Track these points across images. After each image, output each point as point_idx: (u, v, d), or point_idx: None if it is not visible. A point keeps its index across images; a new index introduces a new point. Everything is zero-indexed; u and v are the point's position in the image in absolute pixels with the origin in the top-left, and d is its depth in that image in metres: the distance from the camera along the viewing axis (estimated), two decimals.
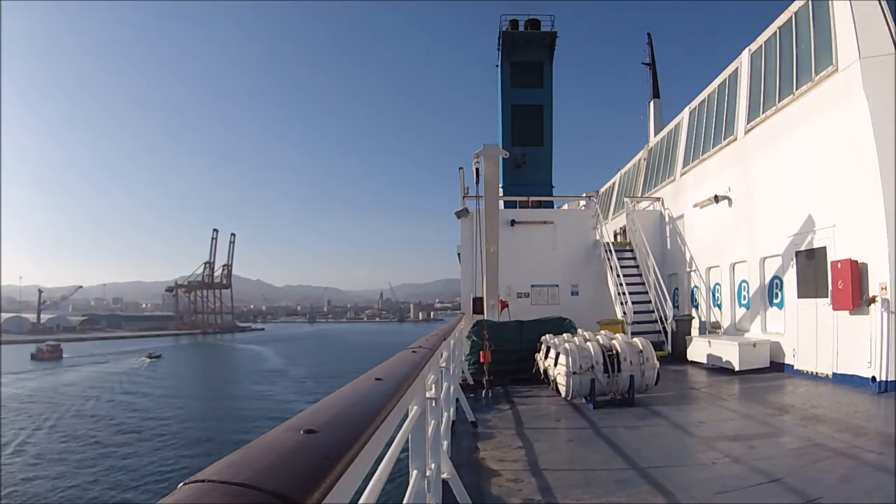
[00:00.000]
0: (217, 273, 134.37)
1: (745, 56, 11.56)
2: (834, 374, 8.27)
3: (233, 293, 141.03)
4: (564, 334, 9.05)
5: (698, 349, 10.94)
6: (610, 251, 14.27)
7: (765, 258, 10.62)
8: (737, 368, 9.55)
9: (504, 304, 13.49)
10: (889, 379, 7.26)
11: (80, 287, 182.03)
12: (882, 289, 7.48)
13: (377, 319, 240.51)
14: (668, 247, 15.26)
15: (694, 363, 10.97)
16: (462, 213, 15.04)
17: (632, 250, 15.06)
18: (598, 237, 15.60)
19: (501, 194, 21.36)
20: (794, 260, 9.49)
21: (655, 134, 20.37)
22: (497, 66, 28.47)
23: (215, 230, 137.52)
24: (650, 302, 13.25)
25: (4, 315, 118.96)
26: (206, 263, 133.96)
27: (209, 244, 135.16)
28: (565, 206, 21.41)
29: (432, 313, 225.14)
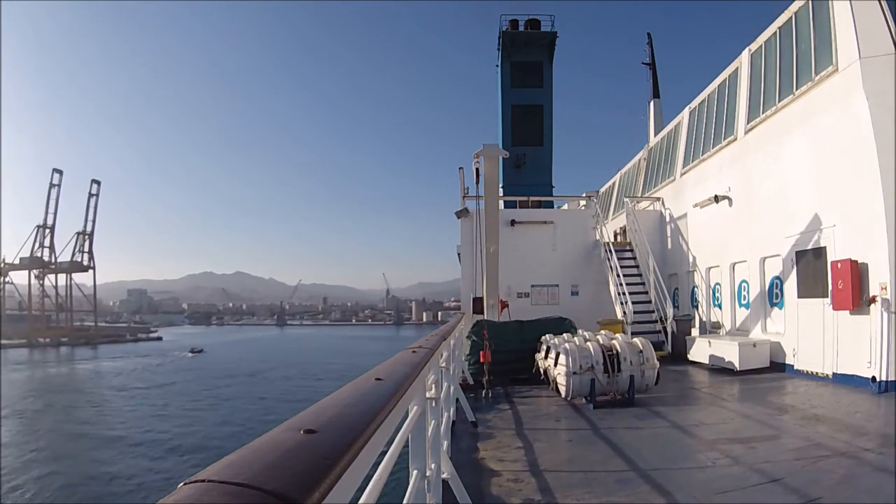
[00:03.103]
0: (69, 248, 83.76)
1: (745, 56, 11.55)
2: (834, 374, 8.27)
3: (96, 278, 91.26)
4: (564, 334, 9.04)
5: (698, 349, 10.94)
6: (610, 251, 14.27)
7: (765, 258, 10.62)
8: (737, 368, 9.55)
9: (504, 304, 13.50)
10: (889, 379, 7.25)
11: None
12: (882, 289, 7.48)
13: (370, 321, 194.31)
14: (669, 247, 15.26)
15: (694, 363, 10.96)
16: (462, 213, 15.05)
17: (632, 250, 15.06)
18: (598, 237, 15.60)
19: (501, 194, 21.36)
20: (795, 260, 9.48)
21: (655, 134, 20.37)
22: (497, 66, 28.50)
23: (57, 171, 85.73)
24: (650, 302, 13.25)
25: None
26: (39, 228, 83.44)
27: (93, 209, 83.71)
28: (565, 206, 21.41)
29: (440, 314, 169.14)
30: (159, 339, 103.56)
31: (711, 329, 12.71)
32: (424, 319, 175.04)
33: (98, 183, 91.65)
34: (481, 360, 8.81)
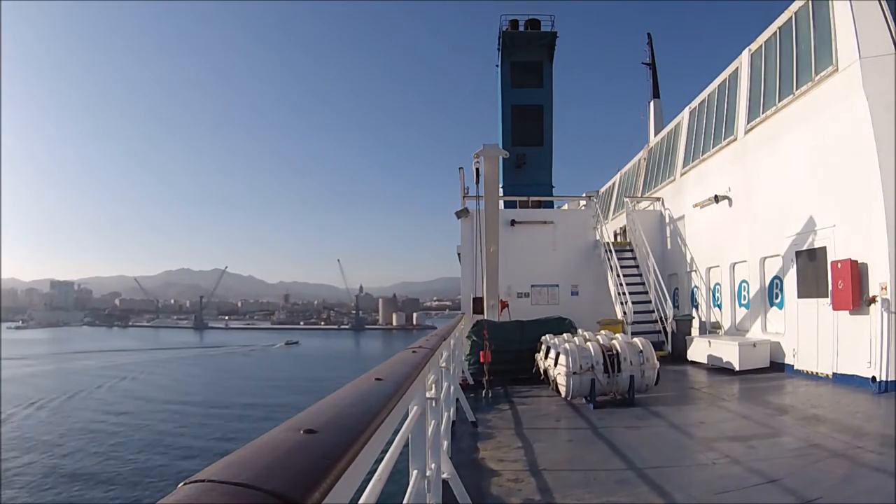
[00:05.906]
0: None
1: (745, 56, 11.55)
2: (834, 374, 8.27)
3: None
4: (564, 334, 9.04)
5: (698, 349, 10.94)
6: (610, 251, 14.27)
7: (765, 258, 10.62)
8: (737, 368, 9.55)
9: (504, 304, 13.50)
10: (889, 379, 7.25)
11: None
12: (882, 289, 7.48)
13: (322, 325, 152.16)
14: (668, 247, 15.27)
15: (694, 363, 10.96)
16: (462, 213, 15.05)
17: (632, 250, 15.06)
18: (598, 237, 15.60)
19: (501, 194, 21.35)
20: (795, 260, 9.49)
21: (655, 134, 20.38)
22: (497, 66, 28.50)
23: None
24: (650, 302, 13.24)
25: None
26: None
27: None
28: (565, 206, 21.40)
29: (416, 315, 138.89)
30: None
31: (711, 329, 12.71)
32: (395, 322, 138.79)
33: None
34: (481, 360, 8.81)
